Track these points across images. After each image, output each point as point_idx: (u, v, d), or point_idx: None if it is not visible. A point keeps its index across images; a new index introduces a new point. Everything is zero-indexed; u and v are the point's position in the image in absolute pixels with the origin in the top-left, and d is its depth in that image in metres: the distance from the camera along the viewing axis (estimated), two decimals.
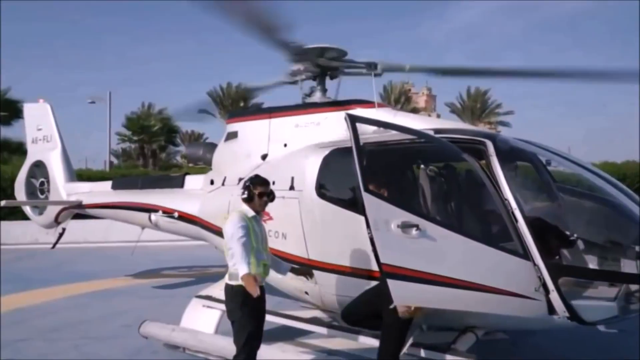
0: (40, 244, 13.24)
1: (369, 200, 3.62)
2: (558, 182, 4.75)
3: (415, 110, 51.81)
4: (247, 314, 4.14)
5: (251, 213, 4.25)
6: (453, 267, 3.66)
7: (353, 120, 3.90)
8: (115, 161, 46.07)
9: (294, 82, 6.44)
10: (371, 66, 5.99)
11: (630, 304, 3.97)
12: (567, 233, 4.22)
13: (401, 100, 46.09)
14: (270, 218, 5.30)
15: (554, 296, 3.83)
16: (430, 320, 4.46)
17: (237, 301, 4.15)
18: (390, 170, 4.73)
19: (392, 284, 3.55)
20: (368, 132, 4.85)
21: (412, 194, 4.62)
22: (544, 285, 3.84)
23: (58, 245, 10.86)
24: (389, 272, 3.55)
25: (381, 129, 4.78)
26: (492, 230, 4.26)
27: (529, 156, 4.71)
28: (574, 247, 4.26)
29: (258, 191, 4.25)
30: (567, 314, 3.86)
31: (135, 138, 37.78)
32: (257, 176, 4.47)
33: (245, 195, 4.28)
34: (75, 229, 14.39)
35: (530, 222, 3.93)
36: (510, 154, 4.38)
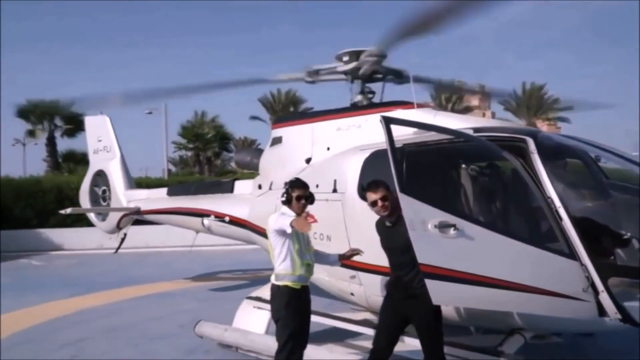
0: (104, 249, 13.94)
1: (405, 201, 3.64)
2: (608, 179, 4.58)
3: (468, 109, 50.86)
4: (290, 313, 4.25)
5: (292, 215, 4.34)
6: (493, 267, 3.61)
7: (387, 122, 3.93)
8: (173, 169, 47.80)
9: (315, 82, 6.57)
10: (401, 75, 6.10)
11: None
12: (618, 231, 4.06)
13: (452, 98, 45.13)
14: (314, 220, 5.40)
15: (604, 297, 3.70)
16: (476, 321, 4.41)
17: (281, 301, 4.27)
18: (427, 171, 4.70)
19: (430, 284, 3.55)
20: (409, 133, 4.86)
21: (449, 193, 4.59)
22: (593, 286, 3.73)
23: (120, 250, 11.43)
24: (427, 272, 3.56)
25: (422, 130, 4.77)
26: (535, 229, 4.17)
27: (575, 152, 4.58)
28: (626, 246, 4.09)
29: (296, 194, 4.34)
30: (619, 316, 3.72)
31: (190, 146, 38.98)
32: (296, 179, 4.56)
33: (283, 198, 4.39)
34: (136, 234, 15.21)
35: (576, 220, 3.82)
36: (553, 151, 4.27)
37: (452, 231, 3.60)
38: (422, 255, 3.56)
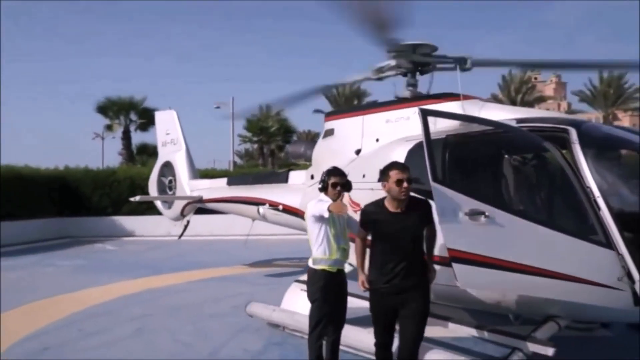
0: (172, 236, 14.75)
1: (437, 189, 3.77)
2: None
3: (540, 100, 48.66)
4: (324, 296, 4.45)
5: (329, 201, 4.47)
6: (524, 254, 3.68)
7: (425, 113, 4.06)
8: (239, 161, 49.31)
9: (381, 79, 6.64)
10: (460, 61, 6.04)
11: None
12: None
13: (522, 90, 43.57)
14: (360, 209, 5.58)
15: None
16: (510, 308, 4.46)
17: (317, 284, 4.49)
18: (465, 162, 4.75)
19: (457, 267, 3.67)
20: (455, 125, 4.91)
21: (484, 183, 4.62)
22: (629, 275, 3.71)
23: (186, 238, 12.15)
24: (454, 256, 3.68)
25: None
26: (570, 218, 4.16)
27: (619, 143, 4.49)
28: None
29: (331, 181, 4.51)
30: None
31: (255, 139, 40.13)
32: (334, 168, 4.71)
33: (320, 185, 4.59)
34: (201, 223, 16.07)
35: (614, 211, 3.80)
36: (596, 141, 4.23)
37: (482, 219, 3.70)
38: (450, 240, 3.68)
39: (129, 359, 5.57)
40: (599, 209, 3.83)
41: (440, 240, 4.05)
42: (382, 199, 4.09)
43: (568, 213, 4.22)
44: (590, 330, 5.89)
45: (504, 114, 5.03)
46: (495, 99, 43.43)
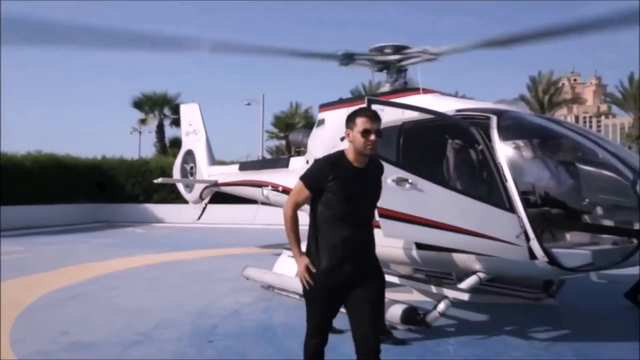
0: (198, 223, 15.99)
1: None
2: (559, 153, 5.34)
3: (573, 101, 48.20)
4: None
5: None
6: (438, 213, 4.63)
7: (369, 102, 5.03)
8: (268, 157, 50.69)
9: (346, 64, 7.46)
10: (424, 52, 6.95)
11: (605, 255, 4.54)
12: (549, 192, 4.88)
13: (550, 91, 43.46)
14: None
15: (534, 243, 4.56)
16: (435, 266, 5.39)
17: None
18: (399, 141, 5.59)
19: (383, 221, 4.66)
20: (415, 115, 5.80)
21: (412, 158, 5.46)
22: (526, 234, 4.60)
23: (210, 225, 13.39)
24: (382, 213, 4.65)
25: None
26: (481, 187, 5.03)
27: (531, 130, 5.37)
28: (554, 203, 4.92)
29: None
30: (546, 259, 4.56)
31: (281, 135, 41.44)
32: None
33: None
34: (225, 212, 17.46)
35: (517, 183, 4.69)
36: (509, 127, 5.10)
37: (407, 185, 4.67)
38: (381, 201, 4.66)
39: (139, 305, 6.75)
40: (506, 180, 4.72)
41: None
42: (341, 151, 3.27)
43: (479, 183, 5.11)
44: (539, 299, 6.74)
45: (453, 104, 5.95)
46: (522, 100, 43.59)
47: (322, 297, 3.19)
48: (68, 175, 20.85)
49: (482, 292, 6.72)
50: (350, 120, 3.24)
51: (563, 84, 49.77)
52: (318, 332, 3.28)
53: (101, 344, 4.99)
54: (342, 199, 3.13)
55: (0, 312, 6.13)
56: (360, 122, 3.16)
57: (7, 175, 18.07)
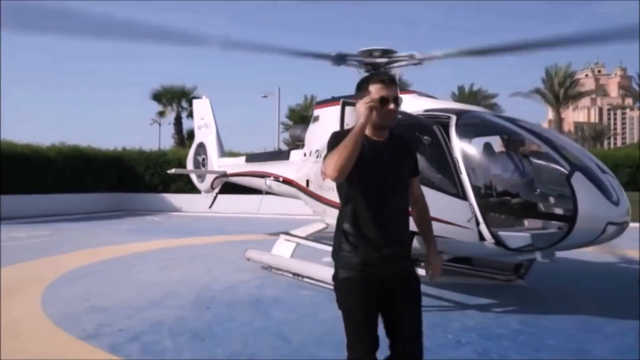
0: (213, 212, 16.89)
1: None
2: (510, 149, 6.04)
3: (588, 93, 47.84)
4: None
5: None
6: None
7: (344, 104, 5.78)
8: (285, 148, 51.53)
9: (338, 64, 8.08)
10: (411, 57, 7.63)
11: (542, 237, 5.25)
12: (500, 183, 5.61)
13: (566, 83, 43.40)
14: None
15: (483, 227, 5.30)
16: None
17: None
18: None
19: None
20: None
21: None
22: (476, 219, 5.34)
23: (221, 215, 14.24)
24: None
25: None
26: (438, 178, 5.75)
27: (487, 128, 6.07)
28: (504, 193, 5.64)
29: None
30: (493, 241, 5.30)
31: None
32: None
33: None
34: (236, 202, 18.39)
35: (470, 175, 5.43)
36: (466, 126, 5.80)
37: None
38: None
39: (151, 280, 7.65)
40: (460, 172, 5.45)
41: None
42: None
43: (437, 174, 5.82)
44: (510, 281, 7.47)
45: (425, 104, 6.68)
46: (538, 93, 43.75)
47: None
48: (90, 166, 22.00)
49: (460, 275, 7.51)
50: (362, 88, 2.74)
51: (579, 78, 49.25)
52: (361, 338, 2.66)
53: (115, 308, 5.91)
54: (364, 173, 2.63)
55: (32, 284, 7.09)
56: (375, 90, 2.66)
57: (31, 165, 19.26)
